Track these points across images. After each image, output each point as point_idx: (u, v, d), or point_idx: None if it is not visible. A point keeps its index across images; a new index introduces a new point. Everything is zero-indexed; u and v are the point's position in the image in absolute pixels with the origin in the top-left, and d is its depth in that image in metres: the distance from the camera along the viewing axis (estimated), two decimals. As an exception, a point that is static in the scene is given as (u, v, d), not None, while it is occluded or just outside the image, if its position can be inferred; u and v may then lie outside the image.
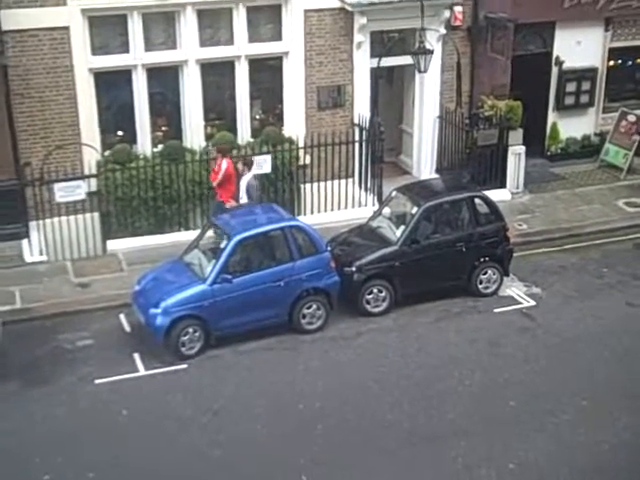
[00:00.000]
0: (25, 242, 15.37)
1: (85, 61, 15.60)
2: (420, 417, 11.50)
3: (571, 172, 19.25)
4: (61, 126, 15.68)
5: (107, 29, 15.89)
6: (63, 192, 14.95)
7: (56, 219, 15.27)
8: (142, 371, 12.50)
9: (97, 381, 12.19)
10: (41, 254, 15.35)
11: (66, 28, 15.32)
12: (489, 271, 14.51)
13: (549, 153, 19.67)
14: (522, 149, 18.06)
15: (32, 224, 15.45)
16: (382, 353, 12.98)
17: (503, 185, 17.88)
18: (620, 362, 12.65)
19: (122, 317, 13.78)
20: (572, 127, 19.68)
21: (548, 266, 15.58)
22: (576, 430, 11.25)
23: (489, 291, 14.56)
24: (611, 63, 19.81)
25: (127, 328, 13.57)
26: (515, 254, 14.90)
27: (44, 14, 15.08)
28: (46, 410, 11.62)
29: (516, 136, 17.97)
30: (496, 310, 14.15)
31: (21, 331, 13.11)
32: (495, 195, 16.23)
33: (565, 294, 14.63)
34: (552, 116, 19.62)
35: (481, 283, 14.51)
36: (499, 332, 13.51)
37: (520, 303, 14.37)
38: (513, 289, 14.77)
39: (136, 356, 12.77)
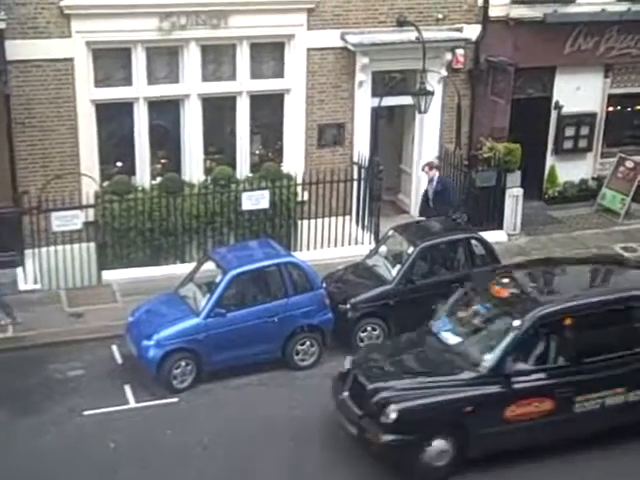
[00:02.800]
0: (20, 270, 15.34)
1: (87, 92, 15.73)
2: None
3: (568, 216, 19.29)
4: (61, 156, 15.77)
5: (110, 62, 16.06)
6: (60, 221, 14.95)
7: (52, 248, 15.27)
8: (132, 403, 12.41)
9: (86, 412, 12.09)
10: (35, 283, 15.32)
11: (70, 60, 15.49)
12: (484, 313, 14.49)
13: (547, 196, 19.73)
14: (520, 191, 18.13)
15: (27, 252, 15.44)
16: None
17: (500, 227, 17.91)
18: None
19: (114, 348, 13.71)
20: (570, 171, 19.75)
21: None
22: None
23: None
24: (610, 109, 19.94)
25: (119, 359, 13.50)
26: (511, 297, 14.87)
27: (49, 45, 15.25)
28: (33, 441, 11.51)
29: (514, 178, 18.05)
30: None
31: (12, 360, 13.03)
32: (492, 236, 16.27)
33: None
34: (550, 159, 19.72)
35: (476, 324, 14.48)
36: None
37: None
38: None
39: (127, 388, 12.69)
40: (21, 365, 13.07)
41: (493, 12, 18.03)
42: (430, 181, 16.45)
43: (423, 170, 16.72)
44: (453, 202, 16.48)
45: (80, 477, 10.90)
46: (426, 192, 16.58)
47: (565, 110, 19.34)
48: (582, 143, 19.65)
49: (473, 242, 14.67)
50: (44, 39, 15.22)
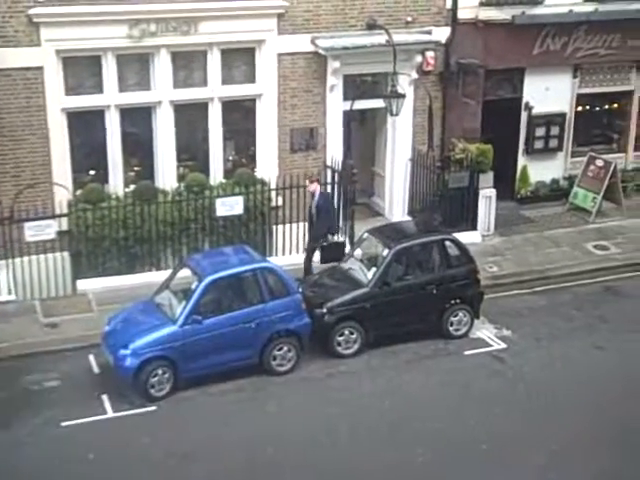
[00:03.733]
0: (-6, 281, 15.24)
1: (58, 101, 15.63)
2: (391, 461, 11.43)
3: (540, 215, 19.45)
4: (32, 165, 15.66)
5: (81, 69, 15.98)
6: (33, 231, 14.85)
7: (26, 258, 15.16)
8: (110, 413, 12.35)
9: (64, 423, 12.01)
10: (10, 293, 15.21)
11: (40, 68, 15.38)
12: (460, 313, 14.58)
13: (519, 196, 19.89)
14: (493, 192, 18.25)
15: (1, 263, 15.27)
16: (353, 395, 12.94)
17: (474, 227, 18.01)
18: (589, 407, 12.68)
19: (91, 358, 13.64)
20: (541, 171, 19.93)
21: (518, 308, 15.68)
22: (547, 475, 11.23)
23: (460, 333, 14.61)
24: (579, 109, 20.15)
25: (96, 369, 13.43)
26: (486, 296, 15.00)
27: (18, 54, 15.13)
28: (9, 453, 11.41)
29: (487, 179, 18.16)
30: (467, 352, 14.19)
31: (-13, 372, 12.96)
32: (466, 237, 16.37)
33: (535, 336, 14.70)
34: (522, 160, 19.88)
35: (452, 325, 14.56)
36: (470, 375, 13.53)
37: (491, 346, 14.43)
38: (484, 331, 14.83)
39: (104, 398, 12.63)
40: (-3, 377, 13.00)
41: (462, 14, 18.13)
42: (312, 195, 16.05)
43: (308, 186, 16.19)
44: (331, 219, 15.98)
45: (59, 489, 10.86)
46: (310, 207, 16.15)
47: (535, 110, 19.51)
48: (552, 143, 19.82)
49: (447, 243, 14.75)
50: (13, 47, 15.11)
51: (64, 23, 15.28)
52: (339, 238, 16.03)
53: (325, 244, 15.66)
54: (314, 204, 15.97)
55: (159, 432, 11.96)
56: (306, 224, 16.46)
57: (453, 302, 14.50)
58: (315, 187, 16.00)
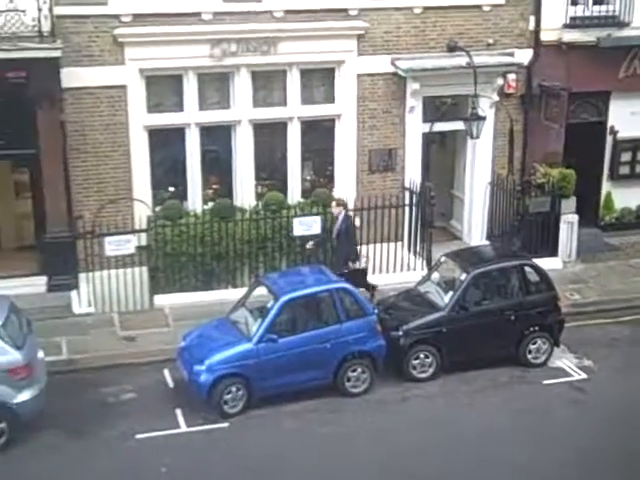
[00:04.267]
0: (74, 293, 15.46)
1: (140, 119, 15.88)
2: (465, 488, 11.19)
3: (626, 242, 18.89)
4: (114, 181, 15.93)
5: (163, 88, 16.22)
6: (113, 246, 15.09)
7: (105, 272, 15.41)
8: (184, 427, 12.38)
9: (138, 436, 12.08)
10: (89, 306, 15.44)
11: (123, 87, 15.66)
12: (539, 341, 14.21)
13: (603, 223, 19.36)
14: (575, 218, 17.85)
15: (82, 276, 15.59)
16: (427, 420, 12.71)
17: (555, 254, 17.63)
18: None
19: (166, 372, 13.72)
20: (627, 197, 19.38)
21: (601, 338, 15.21)
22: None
23: (538, 362, 14.24)
24: (667, 134, 19.60)
25: (171, 384, 13.50)
26: (567, 325, 14.59)
27: (103, 73, 15.45)
28: (85, 464, 11.52)
29: (569, 204, 17.79)
30: (545, 382, 13.81)
31: (65, 382, 13.05)
32: (546, 264, 15.98)
33: (618, 368, 14.22)
34: (606, 185, 19.39)
35: (530, 353, 14.20)
36: (548, 405, 13.16)
37: (571, 375, 14.02)
38: (564, 360, 14.42)
39: (178, 412, 12.67)
40: (74, 388, 13.12)
41: (545, 36, 17.85)
42: (336, 219, 15.79)
43: (332, 208, 15.97)
44: (351, 244, 15.70)
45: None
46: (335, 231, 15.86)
47: (621, 135, 19.05)
48: (639, 168, 19.30)
49: (527, 269, 14.44)
50: (98, 66, 15.43)
51: (148, 43, 15.56)
52: (361, 264, 15.69)
53: (346, 271, 15.09)
54: (336, 228, 15.72)
55: (231, 448, 11.92)
56: (376, 245, 16.33)
57: (532, 329, 14.15)
58: (340, 210, 15.75)
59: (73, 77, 15.12)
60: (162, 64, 15.73)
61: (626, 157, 19.14)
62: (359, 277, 15.21)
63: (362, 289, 14.82)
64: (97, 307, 15.44)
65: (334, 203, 15.98)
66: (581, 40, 17.99)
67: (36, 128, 14.89)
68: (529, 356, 14.19)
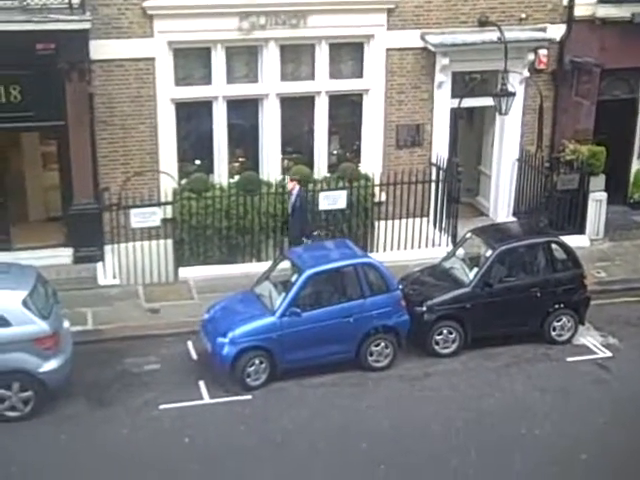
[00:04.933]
0: (100, 265, 15.58)
1: (168, 91, 15.91)
2: (486, 466, 11.16)
3: (655, 221, 18.76)
4: (141, 153, 15.98)
5: (191, 61, 16.21)
6: (139, 218, 15.15)
7: (130, 244, 15.50)
8: (207, 399, 12.47)
9: (162, 406, 12.20)
10: (114, 278, 15.56)
11: (152, 59, 15.68)
12: (564, 318, 14.13)
13: (632, 201, 19.15)
14: (603, 195, 17.68)
15: (107, 248, 15.70)
16: (449, 396, 12.70)
17: (582, 231, 17.49)
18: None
19: (190, 344, 13.81)
20: (657, 175, 19.19)
21: (627, 317, 15.08)
22: (651, 488, 10.79)
23: (563, 339, 14.17)
24: (699, 111, 19.29)
25: (194, 355, 13.59)
26: (592, 302, 14.48)
27: (131, 45, 15.46)
28: (108, 432, 11.68)
29: (598, 182, 17.60)
30: (569, 359, 13.75)
31: (90, 352, 13.18)
32: (573, 241, 15.88)
33: (644, 346, 14.15)
34: (636, 163, 19.16)
35: (555, 330, 14.14)
36: (572, 382, 13.10)
37: (595, 353, 13.94)
38: (588, 338, 14.34)
39: (201, 384, 12.76)
40: (99, 358, 13.26)
41: (578, 11, 17.60)
42: (290, 194, 15.73)
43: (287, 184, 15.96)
44: (304, 219, 15.57)
45: (154, 469, 10.99)
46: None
47: (652, 112, 18.81)
48: (670, 146, 19.08)
49: (554, 246, 14.34)
50: (127, 39, 15.44)
51: (176, 15, 15.54)
52: (314, 241, 15.38)
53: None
54: (290, 204, 15.63)
55: (253, 420, 12.01)
56: (402, 221, 16.29)
57: (557, 306, 14.08)
58: (294, 186, 15.63)
59: (102, 49, 15.13)
60: (190, 37, 15.72)
61: (657, 135, 18.92)
62: None
63: None
64: (122, 279, 15.56)
65: (288, 178, 15.88)
66: (615, 15, 17.73)
67: (64, 100, 14.92)
68: (553, 333, 14.13)
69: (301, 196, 15.65)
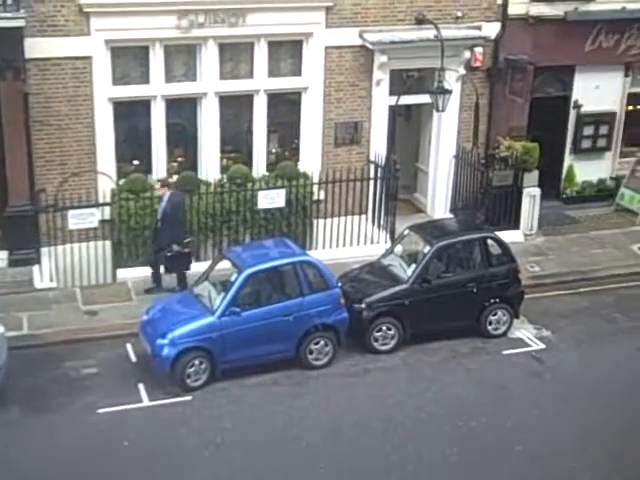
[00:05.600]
0: (36, 268, 15.39)
1: (105, 90, 15.77)
2: (424, 459, 11.38)
3: (586, 215, 19.18)
4: (78, 154, 15.81)
5: (129, 60, 16.08)
6: (77, 219, 14.98)
7: (68, 246, 15.33)
8: (146, 402, 12.45)
9: (100, 410, 12.14)
10: (51, 280, 15.38)
11: (89, 58, 15.50)
12: (499, 312, 14.42)
13: (564, 196, 19.60)
14: (537, 191, 18.01)
15: (44, 250, 15.49)
16: (388, 392, 12.88)
17: (517, 226, 17.82)
18: (629, 410, 12.46)
19: (129, 347, 13.76)
20: (588, 170, 19.61)
21: (559, 309, 15.46)
22: (582, 477, 11.06)
23: (499, 332, 14.46)
24: (630, 108, 19.76)
25: (133, 358, 13.55)
26: (527, 296, 14.82)
27: (68, 43, 15.28)
28: (46, 438, 11.58)
29: (531, 178, 17.94)
30: (505, 352, 14.04)
31: (27, 357, 13.06)
32: (508, 236, 16.18)
33: (576, 338, 14.50)
34: (569, 159, 19.59)
35: (491, 324, 14.42)
36: (507, 375, 13.41)
37: (530, 346, 14.26)
38: (523, 331, 14.66)
39: (141, 386, 12.73)
40: (36, 362, 13.14)
41: (513, 10, 17.89)
42: (161, 200, 15.14)
43: (156, 188, 15.48)
44: (178, 227, 14.93)
45: (94, 475, 10.95)
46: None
47: (584, 109, 19.21)
48: (601, 142, 19.53)
49: (489, 242, 14.61)
50: (63, 37, 15.24)
51: (114, 13, 15.39)
52: (185, 248, 14.90)
53: (169, 254, 14.61)
54: (160, 209, 14.99)
55: (193, 422, 12.03)
56: (340, 219, 16.41)
57: (493, 301, 14.35)
58: (164, 191, 15.05)
59: (37, 47, 14.93)
60: (128, 35, 15.58)
61: (588, 131, 19.31)
62: (183, 260, 14.79)
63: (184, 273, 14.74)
64: (59, 281, 15.39)
65: (158, 184, 15.41)
66: (548, 14, 18.08)
67: (-2, 99, 14.76)
68: (489, 327, 14.41)
69: (172, 202, 14.95)
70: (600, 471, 11.23)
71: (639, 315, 15.28)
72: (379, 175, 16.91)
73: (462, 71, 17.71)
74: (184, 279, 14.99)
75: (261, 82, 16.75)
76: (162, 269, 15.08)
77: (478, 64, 17.93)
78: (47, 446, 11.44)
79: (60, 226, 15.15)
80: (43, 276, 15.39)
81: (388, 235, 16.80)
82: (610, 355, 13.98)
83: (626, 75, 19.40)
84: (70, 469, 11.04)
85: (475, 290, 14.22)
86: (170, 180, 15.68)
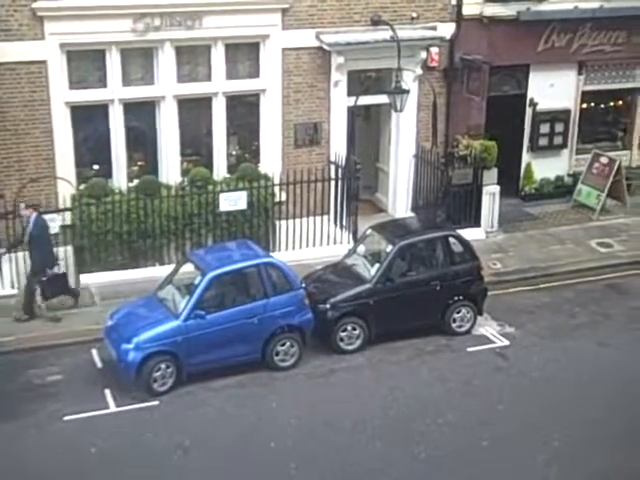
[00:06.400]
0: (-4, 275, 15.23)
1: (62, 95, 15.61)
2: (393, 456, 11.44)
3: (545, 212, 19.43)
4: (36, 159, 15.65)
5: (85, 63, 15.96)
6: (36, 225, 14.81)
7: (28, 252, 15.14)
8: (113, 407, 12.35)
9: (66, 417, 12.02)
10: (12, 287, 15.20)
11: (44, 62, 15.35)
12: (463, 310, 14.56)
13: (523, 193, 19.85)
14: (496, 189, 18.22)
15: (3, 257, 15.27)
16: (355, 391, 12.93)
17: (477, 224, 17.99)
18: (593, 403, 12.66)
19: (94, 352, 13.64)
20: (546, 168, 19.88)
21: (521, 305, 15.65)
22: (548, 472, 11.22)
23: (463, 330, 14.59)
24: (584, 106, 20.09)
25: (98, 364, 13.43)
26: (489, 293, 14.96)
27: (22, 48, 15.11)
28: (12, 447, 11.42)
29: (491, 176, 18.15)
30: (469, 349, 14.17)
31: (-10, 366, 12.96)
32: (469, 234, 16.34)
33: (538, 334, 14.68)
34: (526, 156, 19.84)
35: (455, 322, 14.54)
36: (472, 371, 13.51)
37: (493, 342, 14.40)
38: (487, 328, 14.80)
39: (107, 392, 12.63)
40: (0, 370, 12.97)
41: (467, 10, 18.09)
42: (27, 222, 14.36)
43: (20, 210, 14.58)
44: (48, 250, 14.36)
45: (61, 482, 10.87)
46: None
47: (540, 107, 19.47)
48: (557, 140, 19.79)
49: (451, 240, 14.73)
50: (17, 41, 15.08)
51: (68, 17, 15.26)
52: (60, 269, 14.54)
53: (45, 278, 14.15)
54: (28, 232, 14.25)
55: (161, 426, 11.96)
56: (302, 220, 16.42)
57: (456, 299, 14.48)
58: (30, 213, 14.26)
59: (-9, 52, 14.79)
60: (83, 39, 15.47)
61: (545, 129, 19.57)
62: (60, 282, 14.47)
63: (64, 296, 14.54)
64: (21, 288, 15.18)
65: (23, 205, 14.49)
66: (502, 14, 18.30)
67: (-48, 106, 14.56)
68: (454, 325, 14.53)
69: (38, 224, 14.24)
70: (566, 464, 11.38)
71: (599, 309, 15.53)
72: (340, 176, 16.97)
73: (419, 71, 17.86)
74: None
75: (219, 85, 16.71)
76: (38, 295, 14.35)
77: (434, 64, 18.09)
78: (13, 454, 11.29)
79: (20, 232, 14.96)
80: (4, 283, 15.20)
81: (351, 235, 16.87)
82: (573, 350, 14.17)
83: (579, 73, 19.71)
84: (37, 477, 10.90)
85: (438, 288, 14.33)
86: (34, 203, 14.72)
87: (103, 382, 12.87)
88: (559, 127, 19.69)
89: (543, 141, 19.70)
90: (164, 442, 11.60)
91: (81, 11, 15.30)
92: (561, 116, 19.66)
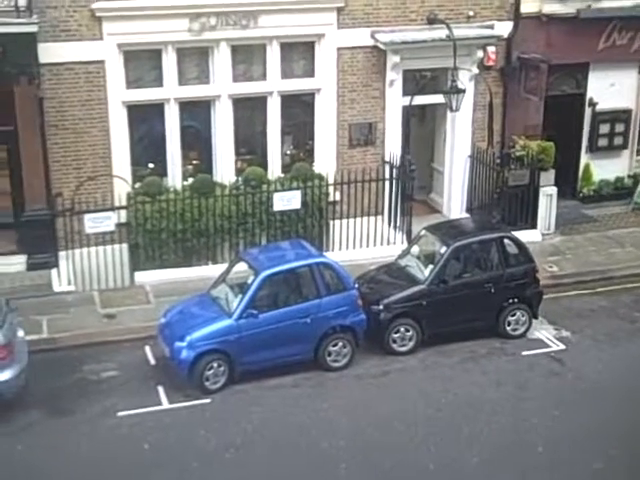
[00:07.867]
0: (54, 272, 15.42)
1: (119, 94, 15.79)
2: (445, 459, 11.32)
3: (603, 214, 19.07)
4: (93, 158, 15.86)
5: (142, 63, 16.12)
6: (93, 223, 15.03)
7: (85, 249, 15.40)
8: (166, 404, 12.45)
9: (120, 413, 12.15)
10: (69, 284, 15.40)
11: (102, 62, 15.56)
12: (518, 313, 14.34)
13: (581, 195, 19.50)
14: (554, 190, 17.94)
15: (61, 254, 15.55)
16: (408, 393, 12.83)
17: (534, 226, 17.73)
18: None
19: (147, 349, 13.77)
20: (605, 169, 19.51)
21: (579, 309, 15.37)
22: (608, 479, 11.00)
23: (517, 333, 14.38)
24: (646, 105, 19.70)
25: (152, 361, 13.55)
26: (545, 296, 14.74)
27: (81, 48, 15.33)
28: (67, 441, 11.59)
29: (548, 177, 17.87)
30: (524, 353, 13.95)
31: (46, 361, 13.08)
32: (525, 236, 16.10)
33: (595, 338, 14.40)
34: (585, 157, 19.49)
35: (509, 325, 14.34)
36: (527, 375, 13.32)
37: (549, 346, 14.17)
38: (542, 332, 14.57)
39: (160, 389, 12.74)
40: (55, 366, 13.15)
41: (525, 8, 17.84)
42: None
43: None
44: None
45: (115, 478, 10.95)
46: None
47: (599, 107, 19.12)
48: (617, 140, 19.42)
49: (506, 241, 14.53)
50: (76, 41, 15.30)
51: (126, 17, 15.43)
52: None
53: None
54: None
55: (213, 424, 12.00)
56: (356, 220, 16.34)
57: (511, 301, 14.27)
58: None
59: (50, 52, 14.98)
60: (140, 39, 15.62)
61: (604, 129, 19.22)
62: None
63: None
64: (77, 285, 15.42)
65: None
66: (561, 12, 18.02)
67: (13, 105, 14.76)
68: (508, 328, 14.33)
69: None
70: (621, 474, 11.12)
71: (658, 314, 15.22)
72: (394, 176, 16.87)
73: (475, 70, 17.66)
74: None
75: (274, 84, 16.73)
76: None
77: (491, 63, 17.87)
78: (67, 449, 11.45)
79: (77, 230, 15.20)
80: (61, 280, 15.41)
81: (404, 236, 16.75)
82: (630, 355, 13.88)
83: (640, 72, 19.34)
84: (91, 471, 11.04)
85: (493, 290, 14.14)
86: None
87: (156, 379, 12.99)
88: (619, 127, 19.32)
89: (602, 142, 19.34)
90: (216, 440, 11.65)
91: (138, 11, 15.45)
92: (622, 116, 19.27)
